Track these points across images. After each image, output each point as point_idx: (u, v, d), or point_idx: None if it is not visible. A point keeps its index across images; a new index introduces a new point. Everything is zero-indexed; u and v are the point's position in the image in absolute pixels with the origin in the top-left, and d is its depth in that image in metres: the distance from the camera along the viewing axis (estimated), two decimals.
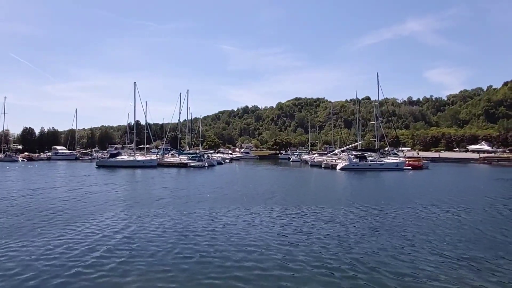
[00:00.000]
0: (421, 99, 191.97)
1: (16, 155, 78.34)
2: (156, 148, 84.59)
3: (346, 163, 50.66)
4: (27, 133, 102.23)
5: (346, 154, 57.72)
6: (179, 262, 9.58)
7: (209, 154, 71.27)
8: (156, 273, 8.71)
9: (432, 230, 13.34)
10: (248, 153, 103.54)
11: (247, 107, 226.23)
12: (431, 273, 8.82)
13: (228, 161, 77.37)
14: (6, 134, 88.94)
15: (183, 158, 59.97)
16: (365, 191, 26.50)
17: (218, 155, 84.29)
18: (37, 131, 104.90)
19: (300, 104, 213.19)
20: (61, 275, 8.53)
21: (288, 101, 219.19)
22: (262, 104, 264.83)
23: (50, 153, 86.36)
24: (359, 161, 51.06)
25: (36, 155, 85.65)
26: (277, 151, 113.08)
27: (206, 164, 57.09)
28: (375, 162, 51.22)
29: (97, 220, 14.96)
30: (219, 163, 66.13)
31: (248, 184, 31.33)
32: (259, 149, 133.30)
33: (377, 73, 56.00)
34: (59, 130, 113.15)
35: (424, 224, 14.51)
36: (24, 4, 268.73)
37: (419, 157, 63.64)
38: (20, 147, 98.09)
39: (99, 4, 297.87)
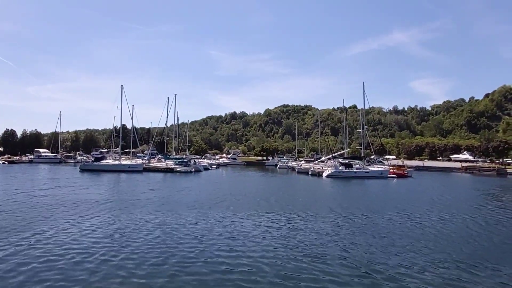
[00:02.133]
0: (406, 109, 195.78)
1: None
2: (142, 152, 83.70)
3: (332, 171, 51.15)
4: (9, 135, 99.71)
5: (332, 161, 58.29)
6: (158, 268, 9.50)
7: (196, 160, 70.84)
8: (137, 277, 8.62)
9: (411, 236, 13.60)
10: (235, 159, 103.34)
11: (235, 113, 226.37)
12: (412, 277, 8.99)
13: (215, 166, 77.05)
14: None
15: (170, 163, 59.45)
16: (350, 198, 26.80)
17: (205, 160, 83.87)
18: (19, 133, 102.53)
19: (287, 111, 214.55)
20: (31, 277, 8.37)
21: (276, 107, 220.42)
22: (250, 110, 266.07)
23: (32, 156, 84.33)
24: (345, 169, 51.63)
25: (18, 157, 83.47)
26: (264, 158, 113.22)
27: (193, 170, 56.75)
28: (361, 170, 51.86)
29: (77, 224, 14.70)
30: (206, 168, 65.80)
31: (234, 190, 31.29)
32: (246, 155, 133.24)
33: (363, 82, 57.07)
34: (42, 132, 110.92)
35: (404, 230, 14.78)
36: (8, 2, 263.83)
37: (403, 166, 64.72)
38: (1, 149, 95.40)
39: (85, 4, 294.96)
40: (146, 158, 69.07)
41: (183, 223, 15.56)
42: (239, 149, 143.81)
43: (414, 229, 15.21)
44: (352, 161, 55.65)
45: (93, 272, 9.04)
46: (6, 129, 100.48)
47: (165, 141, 75.56)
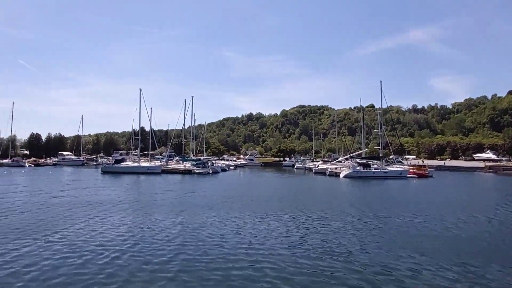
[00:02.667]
0: (426, 107, 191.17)
1: (23, 160, 79.27)
2: (161, 154, 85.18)
3: (350, 171, 50.70)
4: (34, 138, 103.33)
5: (350, 161, 57.78)
6: (182, 267, 9.76)
7: (213, 161, 71.51)
8: (161, 278, 8.90)
9: (430, 239, 13.42)
10: (252, 160, 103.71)
11: (251, 114, 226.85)
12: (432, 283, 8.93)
13: (232, 168, 77.57)
14: (13, 139, 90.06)
15: (187, 165, 60.25)
16: (368, 199, 26.51)
17: (223, 162, 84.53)
18: (44, 137, 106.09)
19: (304, 111, 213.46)
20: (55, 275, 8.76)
21: (292, 108, 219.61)
22: (267, 111, 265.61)
23: (56, 159, 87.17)
24: (363, 169, 51.07)
25: (43, 160, 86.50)
26: (281, 158, 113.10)
27: (210, 171, 57.32)
28: (379, 170, 51.16)
29: (100, 223, 15.21)
30: (223, 170, 66.35)
31: (252, 191, 31.51)
32: (263, 156, 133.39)
33: (380, 81, 56.19)
34: (65, 136, 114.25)
35: (424, 233, 14.59)
36: (33, 12, 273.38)
37: (424, 165, 63.36)
38: (27, 152, 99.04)
39: (104, 12, 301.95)
40: (164, 160, 70.21)
41: (203, 223, 15.84)
42: (256, 150, 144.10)
43: (435, 231, 14.99)
44: (370, 161, 54.99)
45: (114, 270, 9.37)
46: (32, 133, 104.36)
47: (183, 143, 76.61)
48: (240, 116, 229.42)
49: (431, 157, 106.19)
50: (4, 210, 18.51)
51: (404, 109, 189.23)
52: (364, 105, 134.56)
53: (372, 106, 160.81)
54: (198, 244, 12.20)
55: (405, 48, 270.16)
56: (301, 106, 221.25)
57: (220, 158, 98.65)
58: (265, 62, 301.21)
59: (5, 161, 77.05)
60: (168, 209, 19.69)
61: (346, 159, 62.99)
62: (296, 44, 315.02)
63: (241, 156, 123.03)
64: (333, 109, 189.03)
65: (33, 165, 75.98)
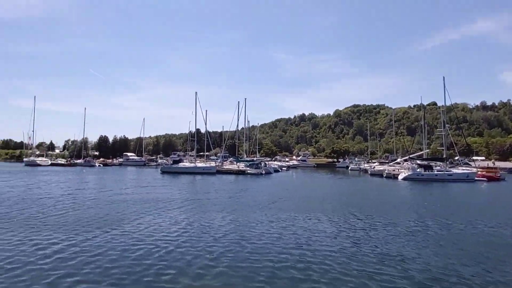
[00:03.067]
0: (496, 104, 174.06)
1: (94, 161, 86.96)
2: (215, 155, 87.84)
3: (410, 173, 47.99)
4: (103, 140, 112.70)
5: (409, 163, 54.69)
6: (230, 263, 10.03)
7: (266, 162, 72.10)
8: (210, 273, 9.23)
9: (498, 249, 12.24)
10: (305, 161, 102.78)
11: (303, 114, 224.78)
12: None
13: (285, 169, 77.57)
14: (85, 141, 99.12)
15: (241, 166, 61.45)
16: (430, 203, 24.80)
17: (275, 162, 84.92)
18: (110, 139, 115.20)
19: (358, 111, 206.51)
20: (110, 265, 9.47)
21: (346, 108, 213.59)
22: (319, 111, 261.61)
23: (121, 159, 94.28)
24: (424, 171, 48.01)
25: (110, 160, 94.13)
26: (335, 159, 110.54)
27: (263, 172, 57.88)
28: (443, 172, 47.74)
29: (159, 219, 16.15)
30: (276, 170, 66.62)
31: (305, 192, 31.24)
32: (316, 157, 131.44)
33: (443, 77, 52.34)
34: (129, 138, 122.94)
35: (491, 242, 13.34)
36: (97, 24, 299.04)
37: (495, 168, 57.82)
38: (96, 153, 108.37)
39: (162, 20, 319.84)
40: (219, 160, 72.34)
41: (254, 222, 16.08)
42: (308, 151, 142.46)
43: (505, 240, 13.65)
44: (432, 163, 51.58)
45: (168, 263, 9.91)
46: (101, 135, 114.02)
47: (236, 144, 78.27)
48: (292, 117, 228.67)
49: (503, 158, 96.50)
50: (78, 204, 20.48)
51: (471, 107, 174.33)
52: (425, 103, 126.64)
53: (434, 104, 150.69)
54: (248, 242, 12.40)
55: (472, 40, 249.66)
56: (356, 106, 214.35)
57: (273, 159, 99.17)
58: (317, 62, 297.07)
59: (78, 161, 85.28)
60: (222, 208, 20.29)
61: (405, 160, 59.74)
62: (349, 42, 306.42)
63: (294, 157, 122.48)
64: (390, 108, 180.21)
65: (102, 165, 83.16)
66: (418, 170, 48.54)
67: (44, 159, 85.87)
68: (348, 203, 23.78)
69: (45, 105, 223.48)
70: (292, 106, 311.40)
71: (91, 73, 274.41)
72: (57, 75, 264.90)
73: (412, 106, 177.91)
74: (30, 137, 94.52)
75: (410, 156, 59.08)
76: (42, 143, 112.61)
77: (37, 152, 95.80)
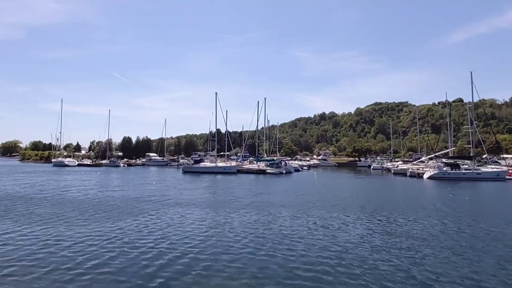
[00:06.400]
0: None
1: (118, 161, 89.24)
2: (236, 155, 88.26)
3: (435, 172, 46.56)
4: (126, 141, 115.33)
5: (434, 161, 53.09)
6: (247, 261, 9.99)
7: (286, 161, 71.82)
8: (230, 271, 9.23)
9: None
10: (325, 160, 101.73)
11: (324, 113, 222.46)
12: None
13: (305, 168, 77.04)
14: (110, 142, 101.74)
15: (261, 165, 61.46)
16: (457, 203, 23.95)
17: (296, 162, 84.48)
18: (133, 140, 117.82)
19: (380, 109, 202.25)
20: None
21: (367, 106, 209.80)
22: (340, 110, 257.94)
23: (144, 159, 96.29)
24: (451, 170, 46.50)
25: (134, 161, 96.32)
26: (356, 158, 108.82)
27: (284, 171, 57.68)
28: (470, 171, 46.05)
29: (181, 218, 16.33)
30: (297, 170, 66.25)
31: (327, 191, 30.89)
32: (337, 156, 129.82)
33: (471, 72, 50.30)
34: (151, 138, 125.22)
35: None
36: (120, 29, 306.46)
37: None
38: (120, 154, 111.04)
39: (183, 22, 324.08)
40: (239, 160, 72.65)
41: (275, 221, 16.00)
42: (329, 150, 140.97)
43: None
44: (459, 161, 49.86)
45: (189, 260, 9.99)
46: (124, 136, 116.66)
47: (256, 143, 78.37)
48: (312, 115, 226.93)
49: None
50: (104, 201, 21.02)
51: (500, 102, 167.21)
52: (451, 100, 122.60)
53: (460, 100, 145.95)
54: (270, 242, 12.34)
55: (500, 33, 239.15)
56: (377, 104, 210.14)
57: (293, 158, 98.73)
58: (338, 60, 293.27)
59: (104, 161, 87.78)
60: (243, 207, 20.30)
61: (430, 158, 58.04)
62: (371, 38, 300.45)
63: (314, 156, 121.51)
64: (413, 105, 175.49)
65: (126, 165, 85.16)
66: (444, 168, 47.05)
67: (71, 159, 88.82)
68: (373, 202, 23.30)
69: (71, 107, 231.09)
70: (313, 105, 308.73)
71: (115, 76, 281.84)
72: (82, 78, 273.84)
73: (436, 103, 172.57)
74: (57, 139, 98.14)
75: (436, 154, 57.33)
76: (69, 144, 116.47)
77: (65, 153, 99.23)
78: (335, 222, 16.09)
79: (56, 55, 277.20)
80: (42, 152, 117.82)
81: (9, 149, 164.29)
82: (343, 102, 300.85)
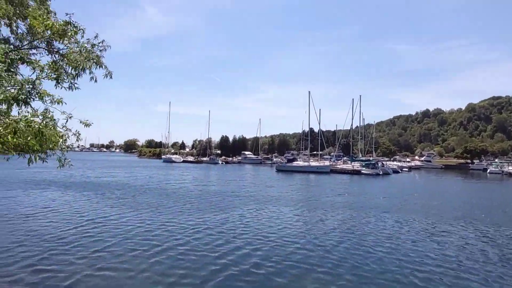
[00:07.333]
0: None
1: (217, 159, 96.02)
2: (329, 154, 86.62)
3: None
4: (224, 140, 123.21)
5: None
6: (339, 262, 9.78)
7: (383, 162, 67.71)
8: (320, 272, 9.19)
9: None
10: (429, 161, 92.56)
11: (428, 110, 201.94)
12: None
13: (406, 169, 71.41)
14: (209, 141, 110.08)
15: (356, 165, 59.17)
16: None
17: (394, 163, 79.03)
18: (230, 139, 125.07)
19: (499, 104, 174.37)
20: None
21: (482, 101, 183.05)
22: (447, 106, 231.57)
23: (240, 157, 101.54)
24: None
25: (231, 159, 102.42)
26: (468, 160, 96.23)
27: (381, 172, 54.54)
28: None
29: (274, 215, 16.82)
30: (395, 171, 61.92)
31: (430, 197, 28.21)
32: (443, 157, 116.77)
33: None
34: (247, 137, 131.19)
35: None
36: (218, 35, 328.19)
37: None
38: (219, 152, 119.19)
39: (274, 25, 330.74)
40: (332, 159, 71.07)
41: (369, 224, 15.34)
42: (434, 150, 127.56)
43: None
44: None
45: (279, 260, 10.23)
46: (222, 135, 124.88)
47: (351, 143, 75.64)
48: (413, 113, 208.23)
49: None
50: (206, 194, 22.99)
51: None
52: None
53: None
54: (365, 247, 11.90)
55: None
56: (495, 98, 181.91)
57: (391, 159, 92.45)
58: (444, 50, 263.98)
59: (204, 158, 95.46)
60: (337, 207, 19.92)
61: None
62: (484, 23, 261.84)
63: (416, 157, 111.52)
64: None
65: (224, 163, 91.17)
66: None
67: (177, 156, 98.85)
68: (490, 212, 20.44)
69: (177, 109, 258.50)
70: (413, 102, 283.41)
71: (214, 79, 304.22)
72: (185, 82, 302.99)
73: None
74: (166, 137, 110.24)
75: None
76: (175, 142, 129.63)
77: (172, 151, 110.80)
78: (449, 234, 14.65)
79: (164, 62, 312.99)
80: (154, 149, 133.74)
81: (130, 147, 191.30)
82: (451, 98, 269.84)
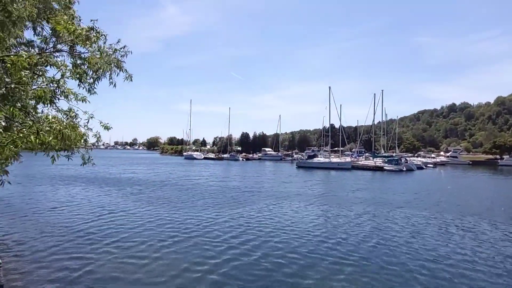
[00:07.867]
0: None
1: (238, 155, 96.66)
2: (350, 150, 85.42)
3: None
4: (244, 137, 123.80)
5: None
6: (357, 262, 9.64)
7: (407, 158, 66.12)
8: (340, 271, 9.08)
9: None
10: (456, 157, 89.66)
11: (454, 104, 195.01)
12: None
13: (431, 166, 69.50)
14: (230, 138, 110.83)
15: (378, 161, 58.07)
16: None
17: (418, 159, 77.01)
18: (251, 135, 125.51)
19: None
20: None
21: (511, 94, 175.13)
22: (474, 100, 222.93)
23: (260, 154, 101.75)
24: None
25: (251, 155, 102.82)
26: (497, 156, 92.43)
27: (404, 168, 53.29)
28: None
29: (293, 210, 16.76)
30: (420, 167, 60.35)
31: (457, 194, 27.33)
32: (470, 153, 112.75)
33: None
34: (267, 134, 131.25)
35: None
36: (237, 32, 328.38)
37: None
38: (239, 148, 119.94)
39: (294, 21, 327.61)
40: (354, 156, 69.99)
41: (391, 221, 15.02)
42: (460, 146, 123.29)
43: None
44: None
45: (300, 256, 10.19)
46: (242, 132, 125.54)
47: (373, 139, 74.20)
48: (439, 107, 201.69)
49: None
50: (227, 190, 23.21)
51: None
52: None
53: None
54: (387, 244, 11.68)
55: None
56: None
57: (415, 155, 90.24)
58: (471, 42, 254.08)
59: (225, 155, 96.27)
60: (358, 204, 19.62)
61: None
62: None
63: (442, 153, 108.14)
64: None
65: (244, 159, 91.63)
66: None
67: (198, 153, 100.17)
68: None
69: (198, 107, 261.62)
70: (439, 96, 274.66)
71: (233, 76, 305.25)
72: (206, 80, 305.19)
73: None
74: (187, 135, 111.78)
75: None
76: (196, 139, 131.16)
77: (193, 148, 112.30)
78: (482, 234, 14.20)
79: (185, 61, 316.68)
80: (176, 146, 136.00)
81: (152, 144, 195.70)
82: (479, 91, 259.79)
